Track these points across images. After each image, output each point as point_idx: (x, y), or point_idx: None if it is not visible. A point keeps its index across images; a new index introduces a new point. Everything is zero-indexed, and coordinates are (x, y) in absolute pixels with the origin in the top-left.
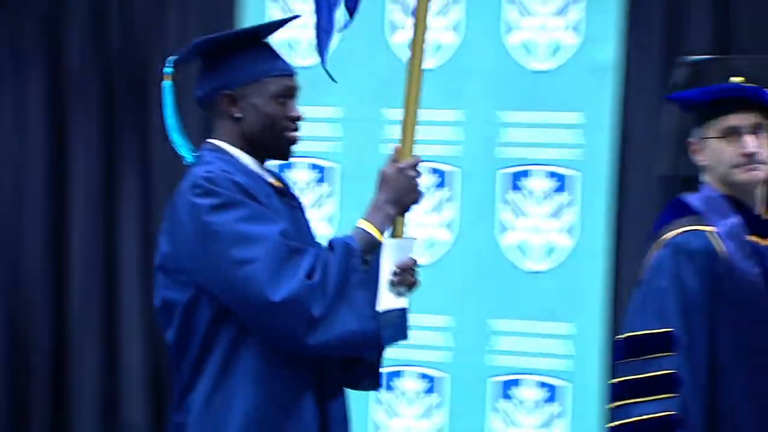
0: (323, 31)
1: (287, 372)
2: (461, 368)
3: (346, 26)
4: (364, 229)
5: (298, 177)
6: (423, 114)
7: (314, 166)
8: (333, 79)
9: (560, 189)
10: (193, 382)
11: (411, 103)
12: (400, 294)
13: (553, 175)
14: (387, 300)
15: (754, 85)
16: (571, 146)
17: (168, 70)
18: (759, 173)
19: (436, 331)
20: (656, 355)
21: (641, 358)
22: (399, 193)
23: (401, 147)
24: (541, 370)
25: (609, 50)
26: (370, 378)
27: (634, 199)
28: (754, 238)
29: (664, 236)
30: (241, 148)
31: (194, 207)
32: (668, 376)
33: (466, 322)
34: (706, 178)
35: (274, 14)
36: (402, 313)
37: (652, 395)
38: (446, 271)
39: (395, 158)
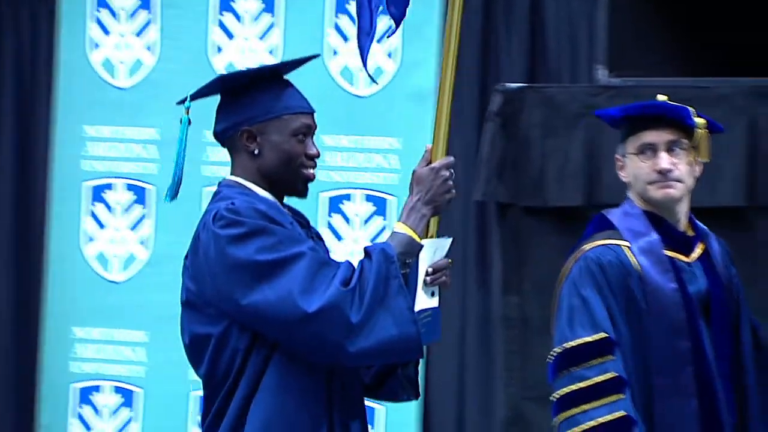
0: (365, 34)
1: (302, 388)
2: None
3: (391, 34)
4: (401, 232)
5: (116, 198)
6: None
7: (131, 187)
8: (374, 81)
9: (379, 213)
10: (224, 410)
11: (443, 103)
12: (433, 294)
13: (370, 199)
14: (421, 300)
15: (673, 102)
16: (388, 171)
17: (186, 104)
18: (672, 191)
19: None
20: (597, 360)
21: (581, 366)
22: (433, 193)
23: (433, 147)
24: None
25: (427, 77)
26: (408, 387)
27: (450, 224)
28: (674, 254)
29: (581, 249)
30: (259, 184)
31: (219, 238)
32: (614, 379)
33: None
34: (629, 194)
35: (95, 34)
36: (435, 312)
37: (600, 399)
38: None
39: (428, 158)
